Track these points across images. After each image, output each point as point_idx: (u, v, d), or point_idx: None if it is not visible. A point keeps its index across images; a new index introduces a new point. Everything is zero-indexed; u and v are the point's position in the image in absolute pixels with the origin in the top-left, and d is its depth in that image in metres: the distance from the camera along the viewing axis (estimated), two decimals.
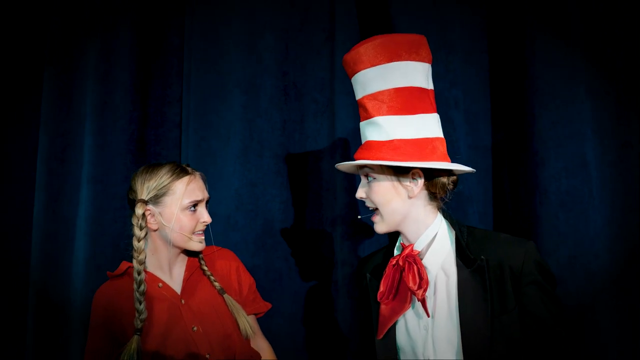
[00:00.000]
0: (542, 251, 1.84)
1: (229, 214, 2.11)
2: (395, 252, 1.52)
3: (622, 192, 1.75)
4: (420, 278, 1.37)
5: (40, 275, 2.23)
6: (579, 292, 1.79)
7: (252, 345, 1.72)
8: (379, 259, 1.60)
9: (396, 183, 1.42)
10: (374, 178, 1.43)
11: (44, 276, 2.22)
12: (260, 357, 1.73)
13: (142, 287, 1.54)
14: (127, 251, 2.15)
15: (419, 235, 1.44)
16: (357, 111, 2.05)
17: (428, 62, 1.46)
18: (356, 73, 1.46)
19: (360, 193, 1.47)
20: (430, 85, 1.47)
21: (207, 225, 1.66)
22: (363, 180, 1.48)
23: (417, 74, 1.43)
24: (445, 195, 1.45)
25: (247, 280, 1.79)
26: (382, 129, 1.41)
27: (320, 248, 2.17)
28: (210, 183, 1.68)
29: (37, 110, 2.34)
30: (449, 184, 1.44)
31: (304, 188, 2.20)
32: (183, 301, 1.62)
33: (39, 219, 2.26)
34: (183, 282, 1.65)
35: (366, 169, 1.44)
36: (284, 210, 2.17)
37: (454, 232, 1.45)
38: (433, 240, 1.44)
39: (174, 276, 1.66)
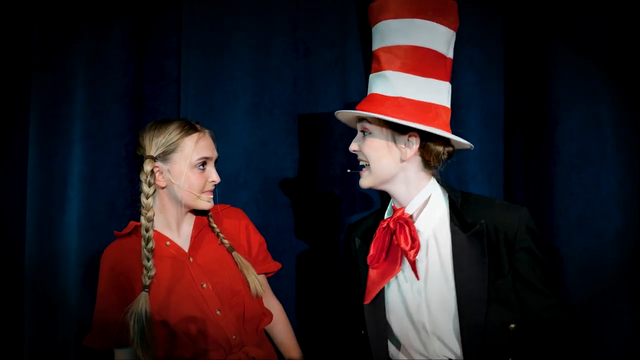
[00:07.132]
0: (553, 211, 1.90)
1: (238, 172, 2.05)
2: (386, 216, 1.51)
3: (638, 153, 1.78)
4: (413, 239, 1.38)
5: (35, 236, 2.11)
6: (587, 250, 1.84)
7: (264, 304, 1.70)
8: (369, 223, 1.59)
9: (391, 142, 1.40)
10: (370, 133, 1.41)
11: (39, 236, 2.11)
12: (272, 315, 1.73)
13: (150, 244, 1.51)
14: (125, 210, 2.10)
15: (410, 199, 1.44)
16: (368, 70, 2.01)
17: (454, 30, 1.43)
18: (378, 22, 1.41)
19: (354, 146, 1.45)
20: (450, 54, 1.45)
21: (215, 185, 1.63)
22: (359, 133, 1.46)
23: (439, 37, 1.40)
24: (439, 164, 1.44)
25: (257, 239, 1.77)
26: (389, 83, 1.38)
27: (329, 208, 2.14)
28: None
29: (28, 65, 2.18)
30: (443, 153, 1.43)
31: (314, 147, 2.15)
32: (191, 259, 1.60)
33: (33, 178, 2.13)
34: (191, 239, 1.63)
35: (364, 122, 1.42)
36: (295, 169, 2.12)
37: (447, 198, 1.45)
38: (426, 204, 1.43)
39: (181, 234, 1.63)
